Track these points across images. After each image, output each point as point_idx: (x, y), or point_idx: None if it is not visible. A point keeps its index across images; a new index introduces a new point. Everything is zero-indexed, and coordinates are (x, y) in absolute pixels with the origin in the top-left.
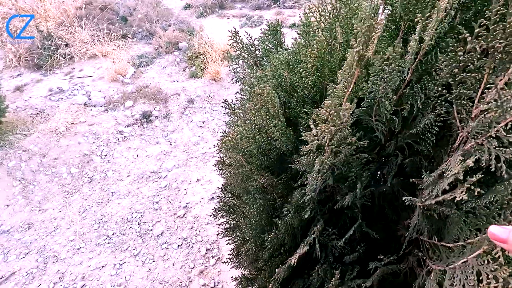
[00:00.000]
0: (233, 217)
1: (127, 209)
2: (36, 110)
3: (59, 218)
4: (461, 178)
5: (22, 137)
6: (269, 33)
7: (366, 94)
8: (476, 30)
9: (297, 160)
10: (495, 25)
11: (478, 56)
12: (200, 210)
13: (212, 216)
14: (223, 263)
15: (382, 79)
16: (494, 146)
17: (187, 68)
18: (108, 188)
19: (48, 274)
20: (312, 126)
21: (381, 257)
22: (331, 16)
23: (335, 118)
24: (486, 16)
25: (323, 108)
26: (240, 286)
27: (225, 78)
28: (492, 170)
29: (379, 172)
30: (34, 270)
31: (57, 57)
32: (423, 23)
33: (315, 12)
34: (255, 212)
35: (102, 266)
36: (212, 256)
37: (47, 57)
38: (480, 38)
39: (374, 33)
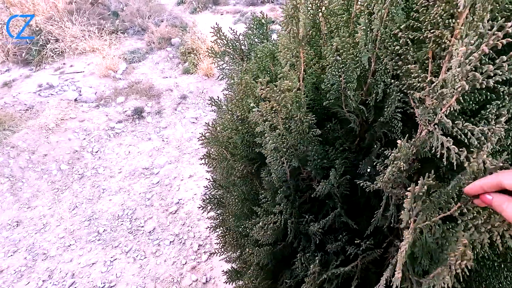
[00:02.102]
0: (221, 210)
1: (119, 205)
2: (25, 106)
3: (49, 215)
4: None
5: (10, 133)
6: (255, 27)
7: (328, 86)
8: (403, 25)
9: (258, 143)
10: (423, 16)
11: (413, 47)
12: (193, 206)
13: (202, 208)
14: (212, 254)
15: (340, 70)
16: (441, 133)
17: (180, 64)
18: (99, 184)
19: (37, 272)
20: (253, 105)
21: (358, 241)
22: (313, 7)
23: (274, 95)
24: (414, 8)
25: (259, 87)
26: (230, 279)
27: (218, 74)
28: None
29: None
30: (22, 268)
31: (46, 52)
32: (366, 13)
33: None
34: (237, 201)
35: (93, 263)
36: (205, 252)
37: (36, 52)
38: (411, 29)
39: (300, 17)
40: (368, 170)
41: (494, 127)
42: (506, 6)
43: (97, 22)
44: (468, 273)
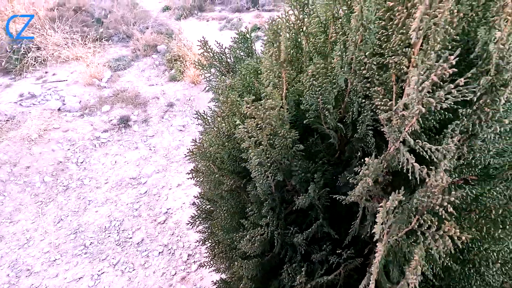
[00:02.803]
0: (210, 224)
1: (105, 217)
2: (5, 116)
3: (32, 229)
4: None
5: None
6: (240, 41)
7: (307, 107)
8: (367, 52)
9: (243, 158)
10: (386, 43)
11: (379, 71)
12: (181, 216)
13: (190, 224)
14: (201, 266)
15: (317, 93)
16: (406, 150)
17: (166, 71)
18: (84, 196)
19: None
20: (238, 122)
21: (340, 251)
22: (295, 27)
23: (259, 113)
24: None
25: (245, 105)
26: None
27: (205, 84)
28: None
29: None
30: (5, 285)
31: (27, 60)
32: (342, 41)
33: (281, 23)
34: (226, 215)
35: (79, 278)
36: (194, 261)
37: (17, 61)
38: (376, 56)
39: (281, 39)
40: (350, 179)
41: (447, 145)
42: (455, 37)
43: (80, 30)
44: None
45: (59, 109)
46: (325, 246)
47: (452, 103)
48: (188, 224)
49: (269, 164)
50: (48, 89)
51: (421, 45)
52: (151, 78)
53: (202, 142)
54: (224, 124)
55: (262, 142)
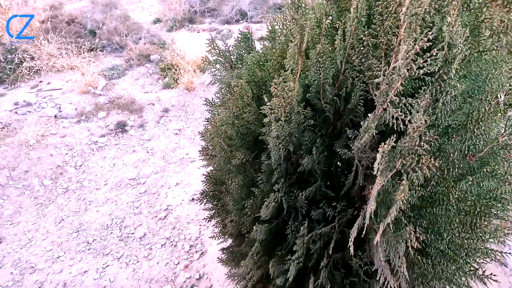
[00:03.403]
0: (217, 200)
1: (107, 216)
2: (1, 124)
3: (34, 230)
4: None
5: None
6: (242, 40)
7: (311, 82)
8: (366, 32)
9: (263, 133)
10: (380, 27)
11: (373, 49)
12: (181, 211)
13: (198, 201)
14: (210, 238)
15: (321, 69)
16: (392, 108)
17: (160, 80)
18: (85, 197)
19: (25, 285)
20: (266, 100)
21: (335, 204)
22: (291, 24)
23: (282, 93)
24: (373, 21)
25: (273, 86)
26: (229, 256)
27: (199, 87)
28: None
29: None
30: (9, 282)
31: (22, 70)
32: (342, 27)
33: (279, 21)
34: (236, 186)
35: (85, 272)
36: (196, 251)
37: (10, 71)
38: (371, 35)
39: (305, 33)
40: (348, 133)
41: (420, 100)
42: (429, 24)
43: (74, 40)
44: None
45: (55, 116)
46: (321, 205)
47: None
48: (193, 200)
49: (283, 137)
50: (43, 97)
51: (405, 26)
52: (145, 86)
53: (215, 121)
54: (234, 106)
55: (281, 118)
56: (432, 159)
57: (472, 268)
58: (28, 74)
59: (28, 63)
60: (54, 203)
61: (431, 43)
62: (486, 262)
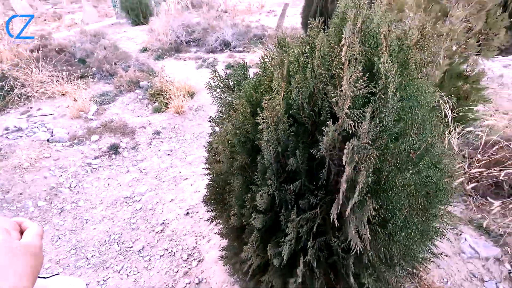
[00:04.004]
0: (218, 204)
1: (104, 232)
2: None
3: None
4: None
5: None
6: (239, 69)
7: (293, 101)
8: (323, 67)
9: (258, 138)
10: (332, 63)
11: (329, 78)
12: (177, 225)
13: (203, 202)
14: (216, 233)
15: (299, 92)
16: (347, 119)
17: (150, 104)
18: (81, 216)
19: None
20: (259, 113)
21: (316, 192)
22: (278, 57)
23: (271, 107)
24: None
25: (264, 102)
26: (226, 252)
27: (188, 111)
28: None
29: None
30: None
31: (12, 97)
32: (311, 62)
33: (268, 56)
34: (238, 184)
35: (86, 285)
36: (194, 259)
37: (0, 98)
38: (327, 71)
39: (285, 64)
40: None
41: (364, 112)
42: (368, 60)
43: (65, 68)
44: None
45: (48, 140)
46: (306, 195)
47: (367, 93)
48: (202, 202)
49: (272, 140)
50: (34, 122)
51: (348, 64)
52: (136, 111)
53: (221, 132)
54: (236, 119)
55: (270, 126)
56: (374, 151)
57: (426, 244)
58: (19, 100)
59: (18, 90)
60: (50, 223)
61: (374, 75)
62: (440, 241)
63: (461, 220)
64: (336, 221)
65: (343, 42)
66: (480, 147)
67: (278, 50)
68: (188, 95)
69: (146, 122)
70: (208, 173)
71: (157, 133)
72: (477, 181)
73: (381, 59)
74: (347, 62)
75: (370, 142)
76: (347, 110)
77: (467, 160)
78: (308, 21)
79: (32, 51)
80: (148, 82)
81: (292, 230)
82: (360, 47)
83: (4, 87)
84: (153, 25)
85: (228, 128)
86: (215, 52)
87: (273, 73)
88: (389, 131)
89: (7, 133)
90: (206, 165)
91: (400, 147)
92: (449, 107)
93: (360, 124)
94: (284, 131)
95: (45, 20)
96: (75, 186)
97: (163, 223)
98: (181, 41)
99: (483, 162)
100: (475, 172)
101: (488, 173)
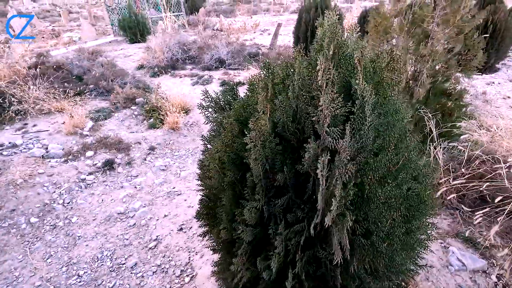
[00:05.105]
0: (211, 220)
1: (97, 249)
2: None
3: (21, 267)
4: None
5: None
6: (229, 90)
7: (278, 120)
8: (303, 89)
9: (246, 156)
10: (312, 85)
11: (310, 99)
12: (171, 240)
13: (195, 218)
14: (207, 248)
15: (283, 111)
16: (327, 136)
17: (145, 121)
18: (73, 232)
19: None
20: (246, 133)
21: (303, 206)
22: (265, 79)
23: (256, 127)
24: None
25: (250, 122)
26: (216, 268)
27: (183, 127)
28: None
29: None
30: None
31: (8, 114)
32: (291, 85)
33: (256, 78)
34: (228, 199)
35: None
36: (187, 275)
37: None
38: (307, 92)
39: (269, 88)
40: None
41: (342, 129)
42: (345, 83)
43: (62, 85)
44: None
45: (42, 156)
46: (294, 209)
47: (346, 112)
48: (195, 219)
49: (260, 158)
50: (30, 138)
51: (325, 86)
52: (131, 127)
53: (212, 150)
54: (225, 138)
55: (257, 145)
56: (352, 166)
57: (410, 255)
58: (15, 117)
59: (15, 107)
60: (42, 240)
61: (352, 95)
62: (426, 253)
63: (449, 233)
64: (316, 233)
65: (318, 67)
66: (464, 161)
67: (264, 72)
68: (183, 111)
69: (141, 138)
70: (201, 189)
71: (152, 149)
72: (463, 195)
73: (357, 81)
74: (324, 85)
75: (348, 158)
76: (327, 128)
77: (451, 174)
78: (299, 41)
79: (30, 68)
80: (144, 99)
81: (280, 243)
82: (337, 70)
83: (1, 104)
84: (150, 43)
85: (218, 145)
86: (211, 69)
87: (263, 93)
88: (369, 146)
89: (1, 150)
90: (199, 181)
91: (379, 162)
92: (434, 123)
93: (339, 141)
94: (271, 149)
95: (43, 37)
96: (69, 202)
97: (156, 239)
98: (177, 58)
99: (467, 176)
100: (460, 185)
101: (472, 186)
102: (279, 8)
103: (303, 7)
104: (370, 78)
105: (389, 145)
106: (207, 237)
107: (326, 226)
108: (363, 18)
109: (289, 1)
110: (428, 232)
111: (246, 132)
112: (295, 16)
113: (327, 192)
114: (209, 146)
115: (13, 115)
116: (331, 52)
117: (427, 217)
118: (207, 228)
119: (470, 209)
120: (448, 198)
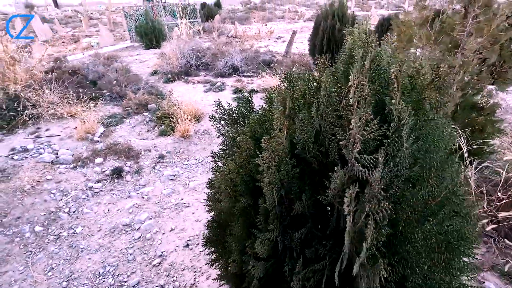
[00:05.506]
0: (218, 246)
1: (99, 263)
2: None
3: (21, 279)
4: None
5: None
6: (243, 102)
7: (298, 140)
8: (330, 108)
9: (258, 179)
10: (339, 104)
11: (337, 118)
12: (176, 258)
13: (204, 246)
14: (213, 280)
15: (304, 131)
16: (357, 163)
17: (156, 127)
18: (77, 244)
19: None
20: (258, 153)
21: (325, 242)
22: (284, 93)
23: (271, 147)
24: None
25: (263, 142)
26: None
27: (194, 135)
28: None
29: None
30: None
31: (22, 117)
32: (316, 101)
33: (275, 91)
34: (239, 228)
35: None
36: None
37: (11, 118)
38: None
39: (287, 103)
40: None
41: (376, 158)
42: (378, 100)
43: (76, 90)
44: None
45: (52, 162)
46: (314, 243)
47: (379, 136)
48: (203, 246)
49: (275, 182)
50: (41, 143)
51: (357, 105)
52: (142, 133)
53: (224, 170)
54: (239, 157)
55: (271, 167)
56: (387, 203)
57: None
58: (29, 121)
59: (29, 111)
60: (45, 251)
61: (386, 116)
62: None
63: (483, 265)
64: (340, 278)
65: (350, 83)
66: (500, 184)
67: (285, 84)
68: (195, 119)
69: (151, 145)
70: (209, 209)
71: (162, 157)
72: (498, 222)
73: (393, 100)
74: (356, 104)
75: (382, 192)
76: (357, 155)
77: (485, 197)
78: (315, 49)
79: (46, 72)
80: (156, 105)
81: (297, 283)
82: (369, 86)
83: (16, 107)
84: (165, 49)
85: (231, 166)
86: (224, 76)
87: (281, 107)
88: (404, 175)
89: (13, 154)
90: (208, 201)
91: (417, 194)
92: (464, 139)
93: (371, 170)
94: (287, 172)
95: (63, 42)
96: (74, 211)
97: (161, 255)
98: (191, 65)
99: (504, 201)
100: (495, 212)
101: (511, 214)
102: (293, 15)
103: (320, 15)
104: (407, 96)
105: (429, 175)
106: (214, 265)
107: (354, 273)
108: (381, 26)
109: (303, 9)
110: (469, 274)
111: (257, 152)
112: (310, 24)
113: (354, 229)
114: (219, 163)
115: (27, 119)
116: (367, 66)
117: (468, 256)
118: (215, 256)
119: (506, 238)
120: (488, 228)
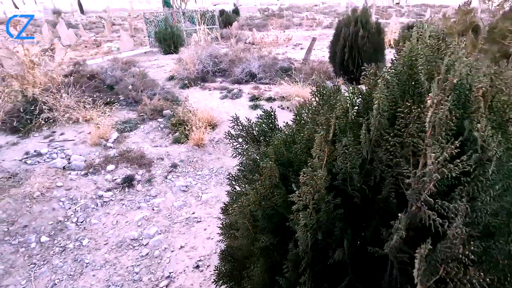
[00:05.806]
0: (233, 284)
1: (103, 281)
2: (7, 173)
3: None
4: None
5: None
6: (264, 117)
7: (338, 170)
8: (390, 131)
9: (290, 219)
10: (404, 128)
11: (399, 148)
12: (185, 280)
13: (214, 282)
14: None
15: (347, 159)
16: (427, 208)
17: (170, 134)
18: (82, 258)
19: None
20: (295, 189)
21: None
22: (315, 110)
23: (311, 181)
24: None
25: (301, 175)
26: None
27: (208, 144)
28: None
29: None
30: None
31: (38, 120)
32: (366, 122)
33: (305, 107)
34: (259, 272)
35: None
36: None
37: (27, 121)
38: (395, 136)
39: (331, 125)
40: (382, 231)
41: (458, 204)
42: (452, 128)
43: (93, 95)
44: None
45: (64, 168)
46: None
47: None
48: (213, 283)
49: (311, 225)
50: (55, 148)
51: (430, 132)
52: (156, 140)
53: (243, 201)
54: (262, 187)
55: (309, 206)
56: (481, 272)
57: None
58: (44, 124)
59: (46, 114)
60: (49, 264)
61: (463, 144)
62: None
63: None
64: None
65: (429, 102)
66: None
67: (316, 100)
68: (210, 126)
69: (164, 153)
70: (223, 239)
71: (174, 166)
72: None
73: (479, 125)
74: (430, 130)
75: (470, 253)
76: (427, 197)
77: None
78: (336, 57)
79: (65, 76)
80: (171, 111)
81: None
82: (449, 107)
83: (33, 110)
84: (182, 54)
85: (251, 196)
86: (241, 83)
87: (312, 130)
88: (482, 223)
89: (26, 158)
90: (221, 230)
91: (503, 249)
92: None
93: (445, 219)
94: (328, 213)
95: (86, 47)
96: (82, 221)
97: (169, 276)
98: (208, 71)
99: None
100: None
101: None
102: (311, 23)
103: (342, 21)
104: (487, 119)
105: None
106: None
107: None
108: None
109: (321, 16)
110: None
111: (292, 180)
112: (328, 31)
113: None
114: (237, 187)
115: (43, 122)
116: (454, 80)
117: None
118: None
119: None
120: None
